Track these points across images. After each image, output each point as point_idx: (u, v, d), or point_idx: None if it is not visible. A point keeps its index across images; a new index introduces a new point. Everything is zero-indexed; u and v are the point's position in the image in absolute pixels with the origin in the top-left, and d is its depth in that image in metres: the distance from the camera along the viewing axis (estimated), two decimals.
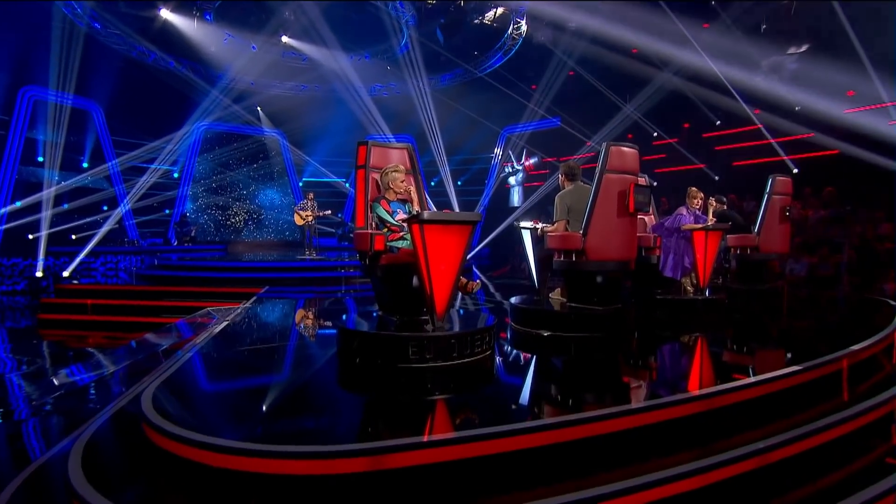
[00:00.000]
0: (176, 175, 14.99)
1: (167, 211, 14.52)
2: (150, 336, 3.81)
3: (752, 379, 2.59)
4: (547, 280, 4.29)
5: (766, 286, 5.29)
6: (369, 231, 3.24)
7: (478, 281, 3.38)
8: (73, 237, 11.65)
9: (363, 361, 2.95)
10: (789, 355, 3.28)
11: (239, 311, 5.07)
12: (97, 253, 10.90)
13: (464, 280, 3.34)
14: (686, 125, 11.85)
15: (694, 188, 4.89)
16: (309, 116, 14.89)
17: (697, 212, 4.84)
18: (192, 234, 13.45)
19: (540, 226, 4.01)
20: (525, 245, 4.30)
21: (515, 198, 15.76)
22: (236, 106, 13.86)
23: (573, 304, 3.81)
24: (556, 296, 4.17)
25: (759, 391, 2.54)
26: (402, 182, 3.36)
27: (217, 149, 15.60)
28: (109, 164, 12.55)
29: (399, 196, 3.41)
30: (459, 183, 16.32)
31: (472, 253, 14.15)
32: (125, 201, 12.57)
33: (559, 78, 12.69)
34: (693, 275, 4.72)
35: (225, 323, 4.31)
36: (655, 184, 5.04)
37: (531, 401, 2.46)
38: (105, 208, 12.77)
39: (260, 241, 16.11)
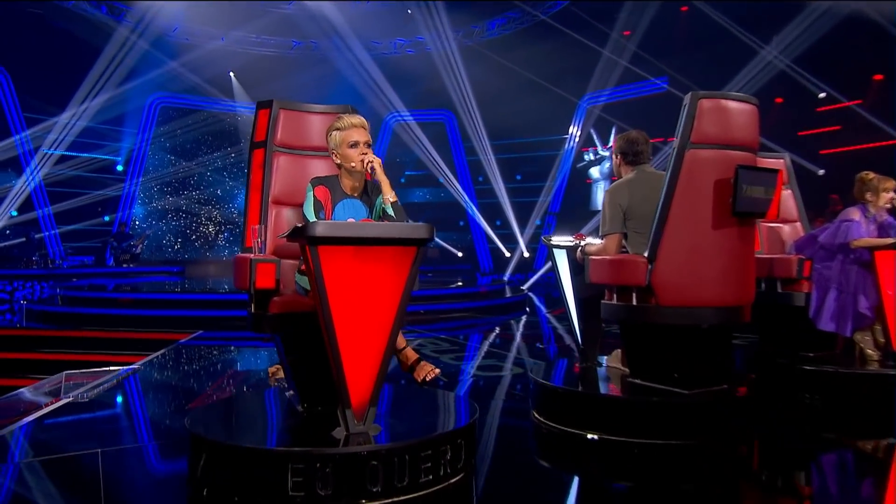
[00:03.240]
0: (120, 168, 15.32)
1: (107, 218, 14.82)
2: None
3: None
4: (600, 335, 3.90)
5: None
6: (250, 256, 2.77)
7: (438, 369, 2.86)
8: None
9: (213, 496, 2.44)
10: None
11: (115, 376, 4.74)
12: None
13: (410, 355, 2.85)
14: (877, 77, 10.96)
15: (874, 174, 4.17)
16: (302, 86, 14.91)
17: (883, 217, 4.16)
18: (138, 250, 13.53)
19: (583, 242, 3.63)
20: (559, 275, 3.91)
21: (600, 197, 15.24)
22: (178, 66, 13.87)
23: (639, 381, 3.36)
24: (614, 362, 3.77)
25: None
26: (364, 145, 2.79)
27: (179, 132, 15.87)
28: (16, 137, 12.83)
29: (355, 182, 2.85)
30: (519, 178, 16.62)
31: (534, 279, 13.51)
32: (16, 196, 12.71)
33: (666, 17, 12.31)
34: (878, 328, 4.11)
35: (66, 399, 3.89)
36: (820, 173, 4.31)
37: None
38: (14, 214, 13.08)
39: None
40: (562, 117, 15.51)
